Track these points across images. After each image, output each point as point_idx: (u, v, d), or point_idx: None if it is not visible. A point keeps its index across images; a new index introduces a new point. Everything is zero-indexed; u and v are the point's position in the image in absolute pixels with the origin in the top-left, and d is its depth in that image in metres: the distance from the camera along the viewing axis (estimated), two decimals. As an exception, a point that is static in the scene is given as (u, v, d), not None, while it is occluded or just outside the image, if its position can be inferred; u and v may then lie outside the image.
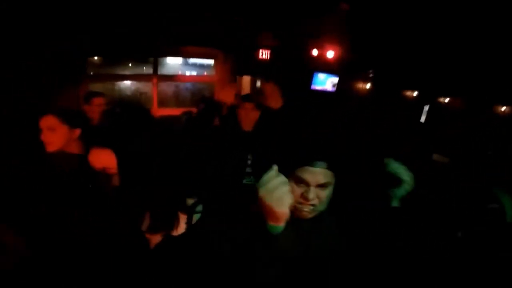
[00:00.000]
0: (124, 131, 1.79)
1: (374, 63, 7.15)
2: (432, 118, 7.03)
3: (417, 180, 1.04)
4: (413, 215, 1.10)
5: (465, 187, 1.28)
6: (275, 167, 0.73)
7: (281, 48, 5.27)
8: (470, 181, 1.49)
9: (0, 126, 2.01)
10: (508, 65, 5.50)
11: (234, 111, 1.96)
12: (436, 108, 7.51)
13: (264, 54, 5.22)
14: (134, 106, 2.09)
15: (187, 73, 5.56)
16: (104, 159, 0.83)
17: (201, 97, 3.77)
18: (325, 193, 0.85)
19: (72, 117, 1.36)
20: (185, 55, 4.89)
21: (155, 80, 4.28)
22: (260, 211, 0.75)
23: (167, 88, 5.06)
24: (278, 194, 0.70)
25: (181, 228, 0.86)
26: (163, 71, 4.85)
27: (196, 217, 0.88)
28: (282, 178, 0.72)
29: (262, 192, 0.72)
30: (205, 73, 5.55)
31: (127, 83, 4.91)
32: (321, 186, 0.84)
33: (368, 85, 8.27)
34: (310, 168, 0.83)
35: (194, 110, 2.62)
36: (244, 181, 1.81)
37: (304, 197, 0.84)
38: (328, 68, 6.16)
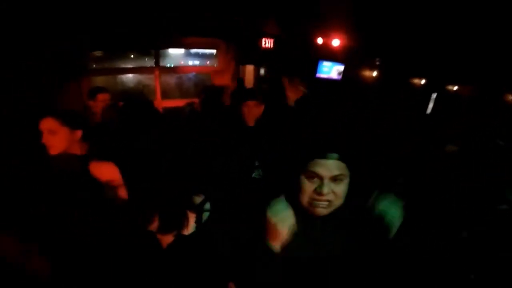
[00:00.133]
0: (129, 128, 1.76)
1: (380, 50, 6.96)
2: (440, 107, 6.89)
3: (425, 176, 1.00)
4: (417, 214, 1.07)
5: (475, 187, 1.24)
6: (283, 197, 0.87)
7: (285, 37, 5.14)
8: (480, 176, 1.45)
9: (0, 126, 2.00)
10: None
11: (237, 108, 1.97)
12: (444, 97, 7.34)
13: (267, 43, 5.11)
14: (137, 100, 2.06)
15: (190, 64, 5.50)
16: (106, 172, 0.78)
17: (202, 88, 3.73)
18: (341, 188, 0.82)
19: (72, 119, 1.33)
20: (187, 46, 4.81)
21: (157, 72, 4.23)
22: (264, 229, 0.85)
23: (170, 79, 5.04)
24: (283, 215, 0.83)
25: (191, 227, 0.86)
26: (165, 62, 4.80)
27: (205, 215, 0.88)
28: (286, 204, 0.86)
29: (270, 213, 0.84)
30: (208, 63, 5.47)
31: (130, 76, 4.88)
32: (335, 179, 0.81)
33: (375, 73, 8.12)
34: (322, 161, 0.80)
35: (196, 101, 2.58)
36: (253, 175, 1.81)
37: (317, 192, 0.81)
38: (333, 56, 6.02)
